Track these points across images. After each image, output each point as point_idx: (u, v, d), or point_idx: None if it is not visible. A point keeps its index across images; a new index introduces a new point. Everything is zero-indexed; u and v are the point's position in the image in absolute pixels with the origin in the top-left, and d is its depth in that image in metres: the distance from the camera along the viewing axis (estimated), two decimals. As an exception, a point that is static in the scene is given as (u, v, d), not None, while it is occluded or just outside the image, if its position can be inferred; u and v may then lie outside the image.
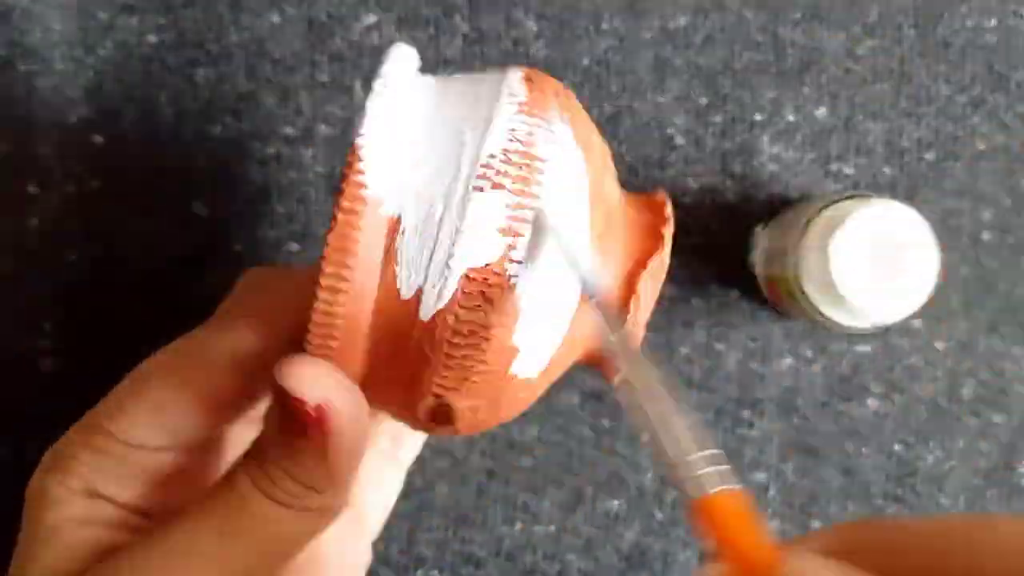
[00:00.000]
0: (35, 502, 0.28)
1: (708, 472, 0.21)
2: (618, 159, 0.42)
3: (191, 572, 0.26)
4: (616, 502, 0.42)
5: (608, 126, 0.41)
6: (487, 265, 0.25)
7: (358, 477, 0.27)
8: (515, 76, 0.27)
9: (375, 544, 0.36)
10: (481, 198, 0.25)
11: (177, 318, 0.41)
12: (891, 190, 0.42)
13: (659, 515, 0.42)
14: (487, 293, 0.25)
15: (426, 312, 0.25)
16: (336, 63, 0.41)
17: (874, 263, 0.36)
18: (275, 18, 0.41)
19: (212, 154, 0.41)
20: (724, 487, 0.21)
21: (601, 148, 0.29)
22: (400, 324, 0.26)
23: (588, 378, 0.41)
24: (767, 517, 0.42)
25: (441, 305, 0.25)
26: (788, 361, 0.42)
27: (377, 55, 0.41)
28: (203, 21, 0.41)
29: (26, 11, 0.40)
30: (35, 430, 0.41)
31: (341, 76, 0.41)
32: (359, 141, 0.25)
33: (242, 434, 0.29)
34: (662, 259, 0.29)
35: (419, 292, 0.25)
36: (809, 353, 0.42)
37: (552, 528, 0.42)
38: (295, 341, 0.26)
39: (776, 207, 0.41)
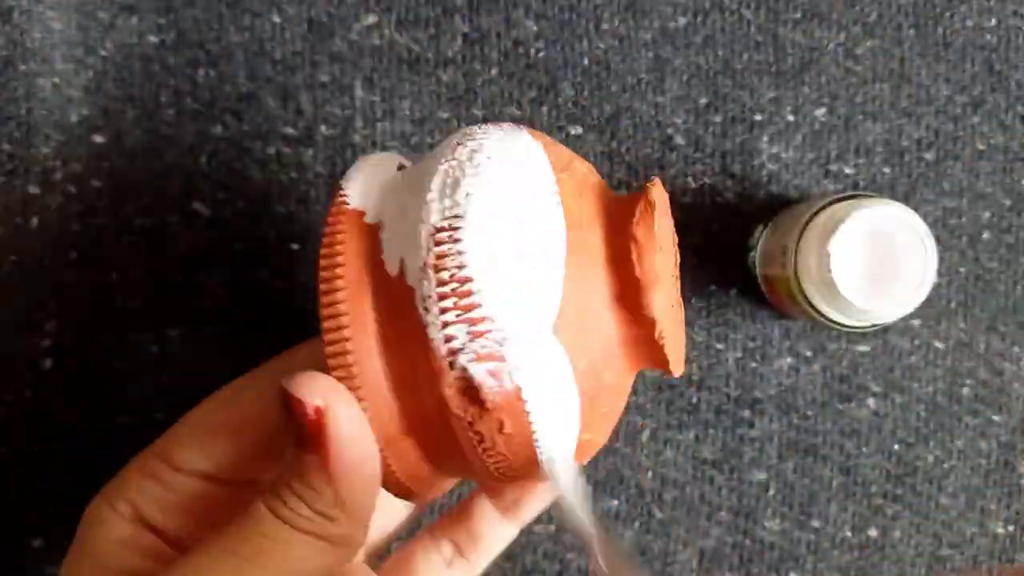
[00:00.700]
0: (88, 520, 0.30)
1: None
2: (618, 159, 0.42)
3: None
4: (616, 501, 0.42)
5: (608, 126, 0.42)
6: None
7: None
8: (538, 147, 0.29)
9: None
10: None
11: (178, 318, 0.41)
12: (890, 190, 0.42)
13: (659, 514, 0.42)
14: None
15: (414, 281, 0.26)
16: (336, 63, 0.41)
17: (873, 263, 0.36)
18: (275, 18, 0.41)
19: (212, 154, 0.41)
20: None
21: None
22: (399, 299, 0.27)
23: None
24: (767, 517, 0.42)
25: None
26: (787, 360, 0.42)
27: (377, 55, 0.41)
28: (203, 21, 0.41)
29: (26, 11, 0.40)
30: (35, 430, 0.41)
31: (341, 76, 0.41)
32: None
33: None
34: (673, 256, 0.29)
35: (402, 264, 0.27)
36: (808, 353, 0.42)
37: (552, 527, 0.42)
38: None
39: (776, 207, 0.41)
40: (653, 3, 0.41)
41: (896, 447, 0.42)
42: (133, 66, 0.41)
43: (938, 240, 0.36)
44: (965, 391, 0.42)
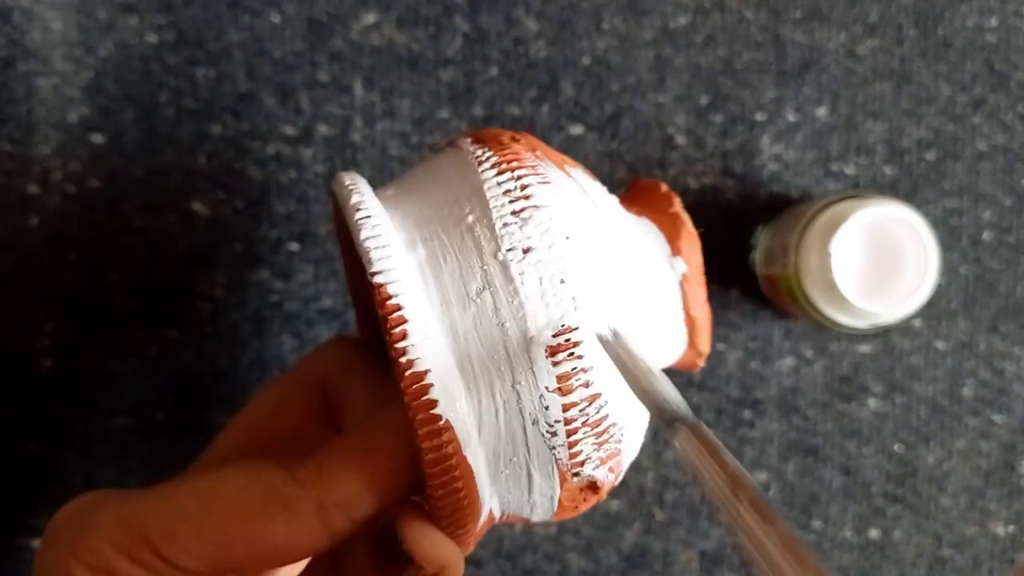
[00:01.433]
0: None
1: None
2: (618, 159, 0.42)
3: None
4: (616, 502, 0.42)
5: (609, 126, 0.41)
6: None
7: None
8: (465, 144, 0.26)
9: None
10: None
11: (177, 318, 0.41)
12: (892, 190, 0.42)
13: (659, 515, 0.42)
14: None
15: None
16: (336, 63, 0.41)
17: (874, 263, 0.36)
18: (275, 18, 0.41)
19: (211, 154, 0.41)
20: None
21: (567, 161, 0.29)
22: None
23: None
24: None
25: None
26: (789, 361, 0.42)
27: (377, 54, 0.41)
28: (203, 21, 0.41)
29: (26, 11, 0.40)
30: (35, 430, 0.41)
31: (341, 76, 0.41)
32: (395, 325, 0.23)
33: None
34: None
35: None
36: (810, 353, 0.42)
37: (552, 528, 0.42)
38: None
39: (777, 207, 0.41)
40: (654, 3, 0.41)
41: (897, 447, 0.42)
42: (133, 66, 0.41)
43: (939, 240, 0.36)
44: (966, 391, 0.42)
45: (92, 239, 0.41)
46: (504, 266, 0.23)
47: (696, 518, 0.42)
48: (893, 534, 0.42)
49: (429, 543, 0.24)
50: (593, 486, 0.25)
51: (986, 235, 0.42)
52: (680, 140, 0.42)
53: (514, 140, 0.26)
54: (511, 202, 0.24)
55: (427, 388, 0.22)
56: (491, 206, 0.24)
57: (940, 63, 0.42)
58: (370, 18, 0.41)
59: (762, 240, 0.40)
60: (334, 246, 0.41)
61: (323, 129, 0.41)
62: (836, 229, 0.35)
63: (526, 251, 0.23)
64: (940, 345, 0.42)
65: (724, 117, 0.42)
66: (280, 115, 0.41)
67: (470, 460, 0.23)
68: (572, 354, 0.23)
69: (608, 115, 0.41)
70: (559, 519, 0.27)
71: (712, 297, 0.42)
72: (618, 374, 0.23)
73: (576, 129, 0.41)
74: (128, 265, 0.41)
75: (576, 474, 0.25)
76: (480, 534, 0.26)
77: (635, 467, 0.42)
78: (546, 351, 0.23)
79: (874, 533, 0.42)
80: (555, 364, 0.23)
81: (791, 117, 0.42)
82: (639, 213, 0.29)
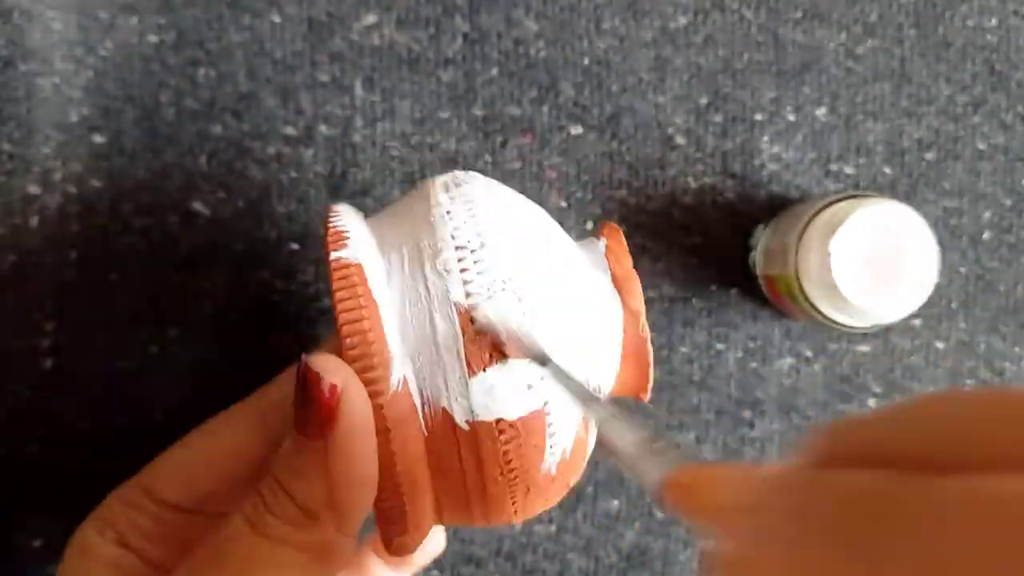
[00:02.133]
0: (74, 545, 0.31)
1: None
2: (619, 159, 0.42)
3: None
4: (616, 501, 0.42)
5: (608, 126, 0.41)
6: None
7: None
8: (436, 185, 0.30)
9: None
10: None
11: (178, 318, 0.41)
12: (891, 190, 0.42)
13: (659, 514, 0.42)
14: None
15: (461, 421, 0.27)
16: (336, 63, 0.41)
17: (874, 263, 0.36)
18: (275, 18, 0.41)
19: (212, 154, 0.41)
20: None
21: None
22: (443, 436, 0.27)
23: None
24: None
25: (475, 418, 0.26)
26: (788, 361, 0.42)
27: (378, 54, 0.41)
28: (203, 21, 0.41)
29: (26, 11, 0.40)
30: (35, 429, 0.41)
31: (341, 76, 0.41)
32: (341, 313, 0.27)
33: None
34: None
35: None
36: (809, 353, 0.42)
37: (552, 528, 0.42)
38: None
39: (776, 207, 0.41)
40: (654, 3, 0.41)
41: (897, 447, 0.42)
42: (133, 66, 0.41)
43: (939, 240, 0.36)
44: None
45: (92, 239, 0.41)
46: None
47: (696, 518, 0.42)
48: (893, 534, 0.42)
49: (331, 360, 0.26)
50: (497, 347, 0.26)
51: (985, 235, 0.42)
52: (680, 140, 0.42)
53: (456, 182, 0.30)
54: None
55: (344, 236, 0.27)
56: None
57: (940, 63, 0.42)
58: (370, 18, 0.41)
59: (762, 240, 0.40)
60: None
61: (324, 129, 0.41)
62: (836, 229, 0.35)
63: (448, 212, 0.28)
64: (940, 345, 0.42)
65: (724, 117, 0.42)
66: (281, 115, 0.41)
67: (376, 296, 0.26)
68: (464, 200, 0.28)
69: (608, 115, 0.41)
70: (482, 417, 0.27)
71: (712, 297, 0.42)
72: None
73: (576, 129, 0.41)
74: (128, 265, 0.41)
75: (472, 320, 0.26)
76: (410, 440, 0.27)
77: (635, 467, 0.42)
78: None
79: (874, 533, 0.42)
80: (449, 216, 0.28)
81: (791, 117, 0.42)
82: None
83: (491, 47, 0.41)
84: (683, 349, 0.42)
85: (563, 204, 0.42)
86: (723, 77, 0.42)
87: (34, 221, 0.41)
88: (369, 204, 0.41)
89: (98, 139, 0.41)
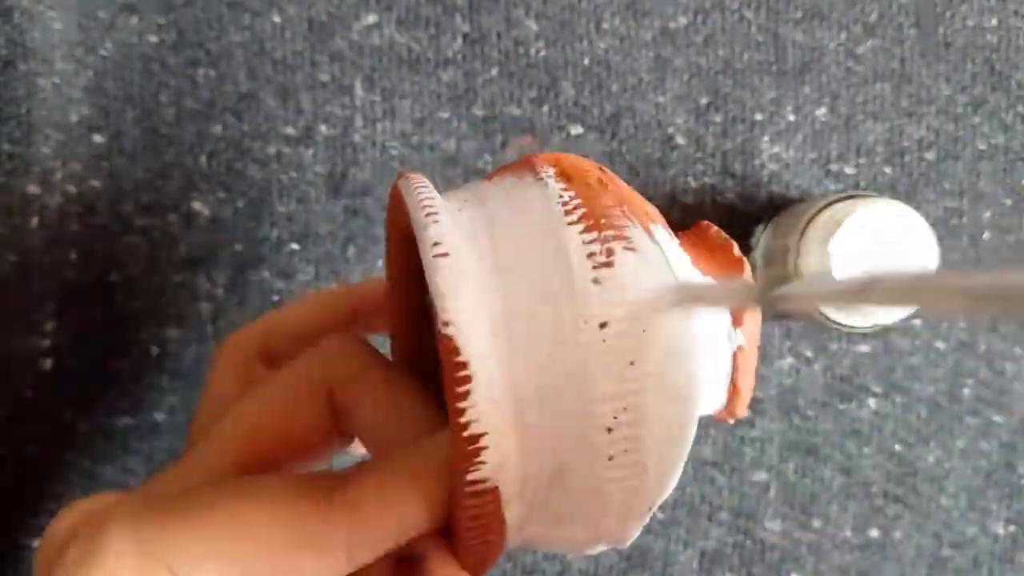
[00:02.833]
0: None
1: None
2: (619, 159, 0.42)
3: None
4: (616, 502, 0.42)
5: (609, 126, 0.41)
6: None
7: None
8: (550, 178, 0.25)
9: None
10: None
11: (178, 318, 0.41)
12: (891, 190, 0.42)
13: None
14: None
15: None
16: (337, 63, 0.41)
17: (874, 263, 0.36)
18: (276, 18, 0.41)
19: (212, 154, 0.41)
20: None
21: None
22: None
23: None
24: (768, 517, 0.42)
25: None
26: (788, 361, 0.42)
27: (378, 54, 0.41)
28: (203, 21, 0.41)
29: (26, 11, 0.40)
30: (35, 430, 0.41)
31: (342, 76, 0.41)
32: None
33: None
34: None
35: None
36: (809, 353, 0.42)
37: (552, 528, 0.42)
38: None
39: (776, 207, 0.41)
40: (654, 3, 0.41)
41: (897, 447, 0.42)
42: (133, 66, 0.41)
43: (939, 240, 0.36)
44: (966, 391, 0.42)
45: (93, 239, 0.41)
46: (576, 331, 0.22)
47: (696, 518, 0.42)
48: (893, 534, 0.42)
49: None
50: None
51: (986, 235, 0.42)
52: (680, 140, 0.42)
53: (602, 185, 0.25)
54: (594, 268, 0.23)
55: (479, 452, 0.22)
56: (575, 270, 0.23)
57: (940, 63, 0.42)
58: (370, 18, 0.41)
59: (762, 240, 0.40)
60: (375, 236, 0.41)
61: (324, 129, 0.41)
62: (836, 229, 0.35)
63: (602, 325, 0.22)
64: (940, 345, 0.42)
65: (724, 117, 0.42)
66: (281, 115, 0.41)
67: (507, 516, 0.23)
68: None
69: (608, 115, 0.41)
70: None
71: (712, 297, 0.42)
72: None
73: (576, 129, 0.41)
74: (128, 265, 0.41)
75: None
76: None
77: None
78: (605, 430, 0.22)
79: (874, 533, 0.42)
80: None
81: (791, 117, 0.42)
82: (705, 269, 0.28)
83: (491, 47, 0.41)
84: (683, 349, 0.42)
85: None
86: (723, 77, 0.42)
87: (34, 221, 0.41)
88: (369, 204, 0.41)
89: (98, 139, 0.41)
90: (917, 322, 0.42)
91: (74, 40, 0.41)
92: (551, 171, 0.25)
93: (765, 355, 0.42)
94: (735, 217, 0.42)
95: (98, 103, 0.41)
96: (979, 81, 0.42)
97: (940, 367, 0.42)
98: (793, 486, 0.42)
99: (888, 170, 0.42)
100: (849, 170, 0.42)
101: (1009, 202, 0.42)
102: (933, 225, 0.36)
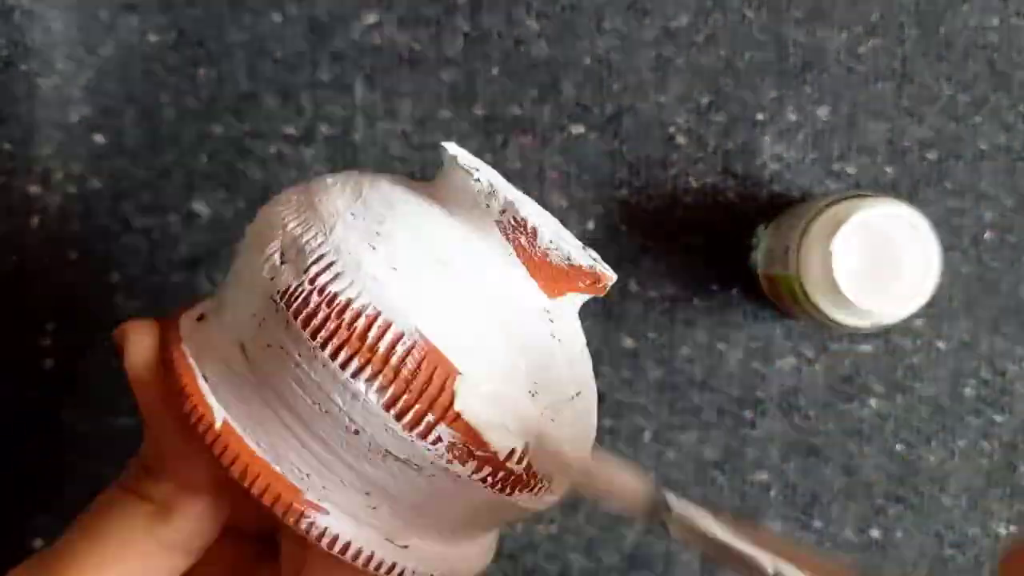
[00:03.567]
0: None
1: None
2: (620, 158, 0.42)
3: None
4: (617, 502, 0.42)
5: (610, 125, 0.41)
6: None
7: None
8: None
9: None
10: None
11: (178, 318, 0.41)
12: (893, 190, 0.42)
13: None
14: None
15: None
16: (337, 62, 0.41)
17: (876, 263, 0.35)
18: (276, 17, 0.41)
19: (212, 153, 0.41)
20: None
21: None
22: None
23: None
24: (769, 517, 0.42)
25: None
26: (790, 361, 0.42)
27: (378, 54, 0.41)
28: (204, 20, 0.41)
29: (27, 11, 0.40)
30: (37, 430, 0.41)
31: (342, 75, 0.41)
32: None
33: None
34: None
35: None
36: (811, 353, 0.42)
37: (554, 528, 0.42)
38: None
39: (778, 206, 0.41)
40: (655, 2, 0.41)
41: (899, 447, 0.42)
42: (134, 65, 0.41)
43: (940, 240, 0.36)
44: (967, 391, 0.42)
45: (93, 239, 0.41)
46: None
47: (697, 518, 0.42)
48: (895, 534, 0.42)
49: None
50: None
51: (987, 235, 0.42)
52: (681, 140, 0.42)
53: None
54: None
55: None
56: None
57: (941, 63, 0.42)
58: (371, 18, 0.41)
59: (763, 240, 0.40)
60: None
61: (324, 129, 0.41)
62: (837, 229, 0.35)
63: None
64: (941, 345, 0.42)
65: (725, 117, 0.42)
66: (281, 115, 0.41)
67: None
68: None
69: (609, 115, 0.41)
70: None
71: (713, 297, 0.42)
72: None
73: (577, 129, 0.41)
74: (129, 265, 0.41)
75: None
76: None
77: (636, 467, 0.42)
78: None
79: (876, 533, 0.42)
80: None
81: (792, 117, 0.42)
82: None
83: (492, 46, 0.41)
84: (685, 349, 0.42)
85: (564, 204, 0.41)
86: (724, 77, 0.41)
87: (34, 221, 0.41)
88: (370, 204, 0.41)
89: (98, 139, 0.41)
90: (919, 322, 0.42)
91: (74, 40, 0.41)
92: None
93: (766, 355, 0.42)
94: (736, 216, 0.42)
95: (98, 103, 0.41)
96: (980, 81, 0.42)
97: (942, 367, 0.42)
98: (795, 486, 0.42)
99: (889, 170, 0.42)
100: (850, 170, 0.42)
101: (1010, 202, 0.42)
102: (935, 225, 0.36)
